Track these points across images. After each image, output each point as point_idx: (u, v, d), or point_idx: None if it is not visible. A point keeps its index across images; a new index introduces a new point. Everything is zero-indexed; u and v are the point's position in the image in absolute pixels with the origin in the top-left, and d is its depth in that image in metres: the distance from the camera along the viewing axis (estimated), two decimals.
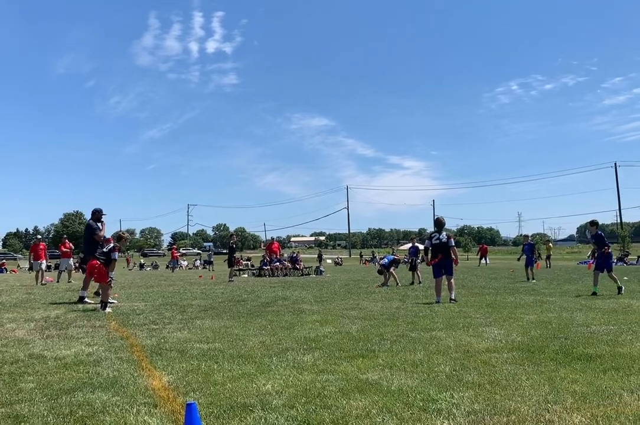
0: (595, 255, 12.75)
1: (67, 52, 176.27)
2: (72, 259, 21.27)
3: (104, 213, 11.62)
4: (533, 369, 4.49)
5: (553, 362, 4.71)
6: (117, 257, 9.65)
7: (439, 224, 10.91)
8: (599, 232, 12.22)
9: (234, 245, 21.53)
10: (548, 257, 31.83)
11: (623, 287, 11.64)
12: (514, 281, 16.84)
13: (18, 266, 47.31)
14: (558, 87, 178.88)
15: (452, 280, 10.51)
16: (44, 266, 19.22)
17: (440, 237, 10.53)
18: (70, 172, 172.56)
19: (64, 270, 20.49)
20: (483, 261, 39.01)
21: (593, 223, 12.43)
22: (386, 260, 16.89)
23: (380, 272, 16.83)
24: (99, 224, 11.43)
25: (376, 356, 5.09)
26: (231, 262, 20.91)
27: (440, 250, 10.48)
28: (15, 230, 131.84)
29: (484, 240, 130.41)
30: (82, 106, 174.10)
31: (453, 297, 10.17)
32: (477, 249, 47.93)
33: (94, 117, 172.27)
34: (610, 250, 12.16)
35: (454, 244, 10.68)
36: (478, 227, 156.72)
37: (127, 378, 4.33)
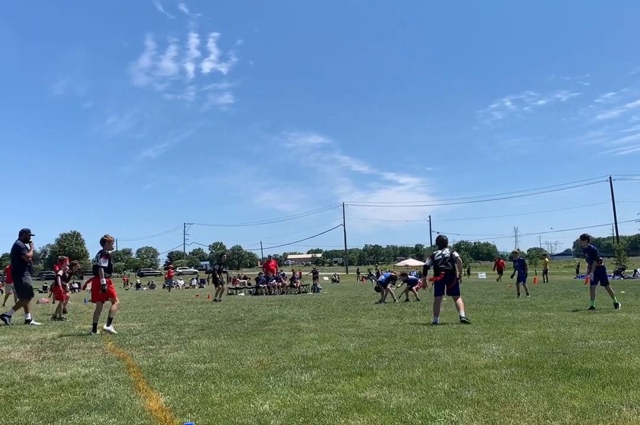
0: (579, 271, 12.77)
1: (64, 73, 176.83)
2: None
3: (32, 233, 11.40)
4: (532, 384, 4.47)
5: (552, 378, 4.69)
6: (105, 264, 9.22)
7: (441, 241, 10.34)
8: (591, 246, 12.22)
9: (221, 265, 21.45)
10: (545, 272, 31.84)
11: (620, 304, 11.62)
12: (511, 296, 16.83)
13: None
14: (551, 103, 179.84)
15: (460, 300, 9.66)
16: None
17: (443, 252, 9.97)
18: (67, 192, 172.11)
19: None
20: (482, 276, 39.00)
21: (584, 237, 12.40)
22: (383, 277, 16.93)
23: (377, 289, 16.83)
24: (27, 245, 11.32)
25: (374, 374, 5.06)
26: (216, 281, 20.72)
27: (443, 267, 9.81)
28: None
29: (481, 255, 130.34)
30: (78, 127, 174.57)
31: (463, 315, 9.34)
32: (492, 264, 47.84)
33: (90, 137, 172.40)
34: (602, 264, 12.18)
35: (458, 256, 10.11)
36: (475, 243, 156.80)
37: (123, 399, 4.29)
